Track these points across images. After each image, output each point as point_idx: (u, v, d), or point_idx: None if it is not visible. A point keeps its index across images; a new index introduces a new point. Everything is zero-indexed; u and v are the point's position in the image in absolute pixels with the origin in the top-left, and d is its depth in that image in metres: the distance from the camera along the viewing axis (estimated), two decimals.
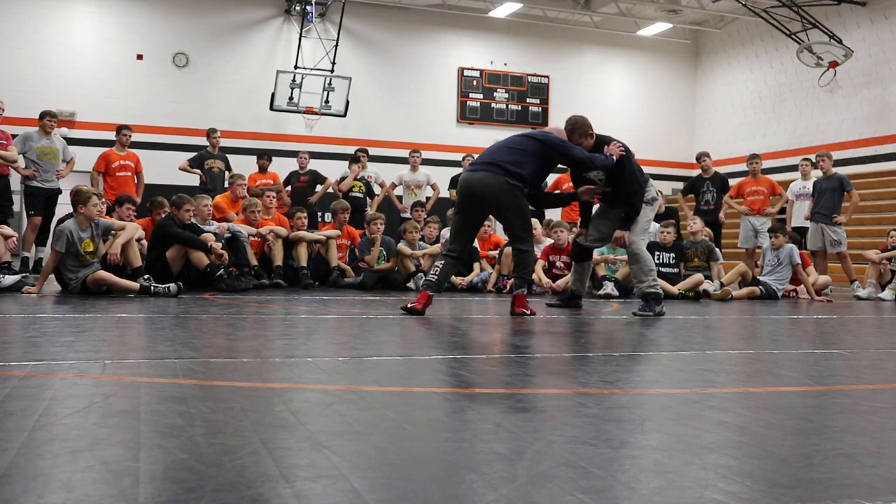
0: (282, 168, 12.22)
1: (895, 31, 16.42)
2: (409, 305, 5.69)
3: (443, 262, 5.83)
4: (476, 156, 6.37)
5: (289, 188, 11.62)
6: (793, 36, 16.79)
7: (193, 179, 11.47)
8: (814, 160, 10.82)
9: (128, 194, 8.91)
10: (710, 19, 20.18)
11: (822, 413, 2.57)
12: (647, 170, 14.63)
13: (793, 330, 5.87)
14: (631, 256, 6.45)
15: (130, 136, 10.42)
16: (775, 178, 12.62)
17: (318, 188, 11.79)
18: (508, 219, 5.85)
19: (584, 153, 5.96)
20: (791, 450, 2.01)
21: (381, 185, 11.97)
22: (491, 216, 7.14)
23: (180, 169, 11.37)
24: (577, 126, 6.12)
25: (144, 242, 7.82)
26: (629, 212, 6.28)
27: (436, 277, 5.76)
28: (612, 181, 6.30)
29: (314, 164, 12.32)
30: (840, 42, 16.32)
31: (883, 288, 9.73)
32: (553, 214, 11.32)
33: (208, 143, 11.48)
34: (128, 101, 16.27)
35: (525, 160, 5.69)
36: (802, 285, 9.26)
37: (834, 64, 16.29)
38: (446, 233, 9.79)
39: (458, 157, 13.52)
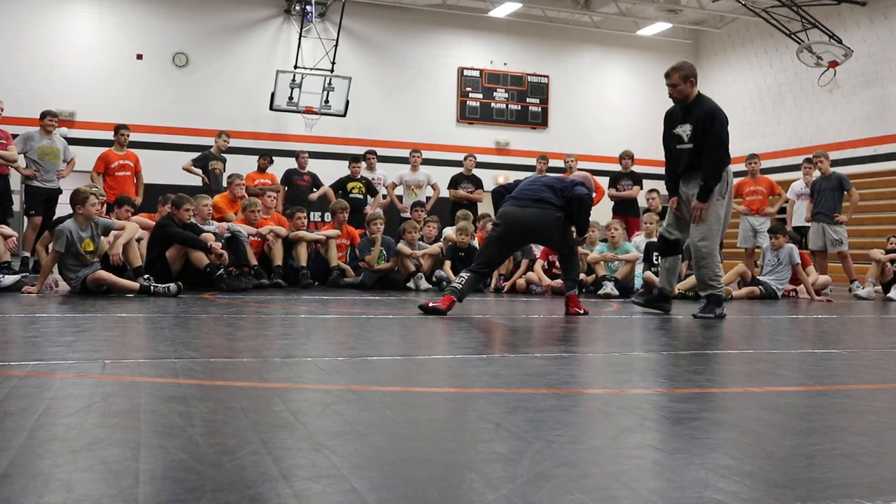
0: (282, 169, 12.21)
1: (895, 30, 16.43)
2: (430, 305, 5.74)
3: (469, 275, 5.99)
4: (504, 180, 6.60)
5: (285, 187, 11.58)
6: (793, 36, 16.79)
7: (194, 179, 11.46)
8: (812, 160, 10.82)
9: (127, 195, 8.92)
10: (709, 19, 20.19)
11: (822, 413, 2.57)
12: (646, 170, 14.58)
13: (793, 330, 5.87)
14: (701, 258, 6.15)
15: (128, 136, 10.42)
16: (775, 177, 12.63)
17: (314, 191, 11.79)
18: (554, 242, 6.38)
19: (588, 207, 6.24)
20: (791, 450, 2.01)
21: (387, 188, 11.97)
22: None
23: (184, 169, 11.35)
24: (695, 73, 6.35)
25: (144, 242, 7.82)
26: (707, 179, 6.02)
27: (460, 286, 5.90)
28: (697, 140, 6.09)
29: (315, 165, 12.31)
30: (840, 42, 16.32)
31: (886, 288, 9.73)
32: None
33: (214, 145, 11.46)
34: (127, 100, 16.27)
35: (561, 201, 6.12)
36: (802, 285, 9.26)
37: (833, 64, 16.29)
38: (448, 232, 9.81)
39: (458, 156, 13.52)
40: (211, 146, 11.63)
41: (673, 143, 6.31)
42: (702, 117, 6.07)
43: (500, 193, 6.33)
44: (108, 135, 10.83)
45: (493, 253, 6.24)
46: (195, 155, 11.64)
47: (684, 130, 6.17)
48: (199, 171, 11.12)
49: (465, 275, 5.98)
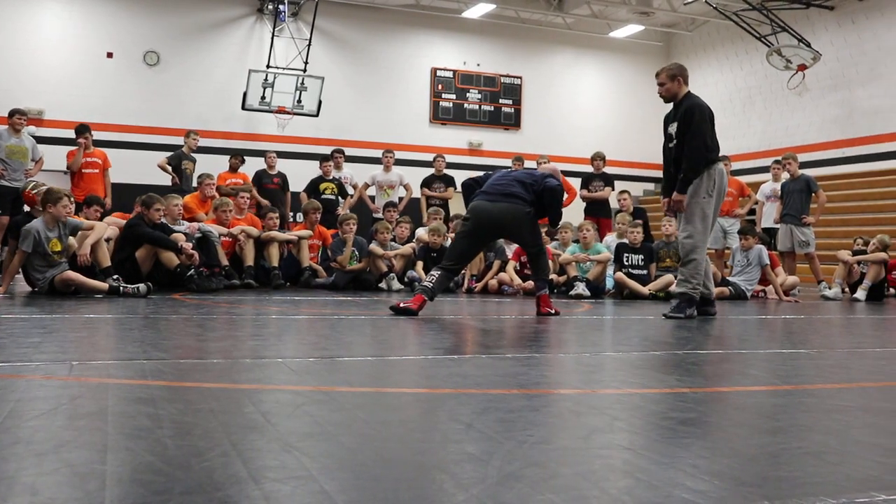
0: (254, 168, 12.13)
1: (862, 35, 16.66)
2: (401, 305, 5.71)
3: (439, 273, 5.97)
4: (478, 174, 6.57)
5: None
6: (762, 39, 16.98)
7: (163, 179, 11.35)
8: (780, 162, 10.92)
9: (96, 195, 8.82)
10: (681, 22, 20.36)
11: (789, 412, 2.60)
12: (617, 171, 14.61)
13: (761, 330, 5.93)
14: (686, 255, 6.18)
15: (91, 137, 10.29)
16: (745, 179, 12.76)
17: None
18: (524, 238, 6.26)
19: (560, 198, 6.25)
20: (758, 448, 2.03)
21: (354, 187, 11.94)
22: None
23: (159, 166, 11.23)
24: (684, 73, 6.38)
25: (113, 242, 7.73)
26: (686, 171, 6.08)
27: (431, 285, 5.88)
28: (680, 136, 6.18)
29: (287, 165, 12.25)
30: (808, 45, 16.54)
31: (853, 288, 9.85)
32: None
33: (184, 144, 11.36)
34: (97, 99, 16.11)
35: (531, 196, 6.10)
36: (771, 286, 9.36)
37: (802, 67, 16.50)
38: (420, 232, 9.81)
39: (431, 157, 13.50)
40: (182, 146, 11.52)
41: (666, 143, 6.41)
42: (682, 113, 6.17)
43: (470, 187, 6.33)
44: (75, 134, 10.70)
45: (464, 247, 6.20)
46: (169, 153, 11.52)
47: (672, 129, 6.28)
48: (169, 167, 11.01)
49: (435, 273, 5.97)
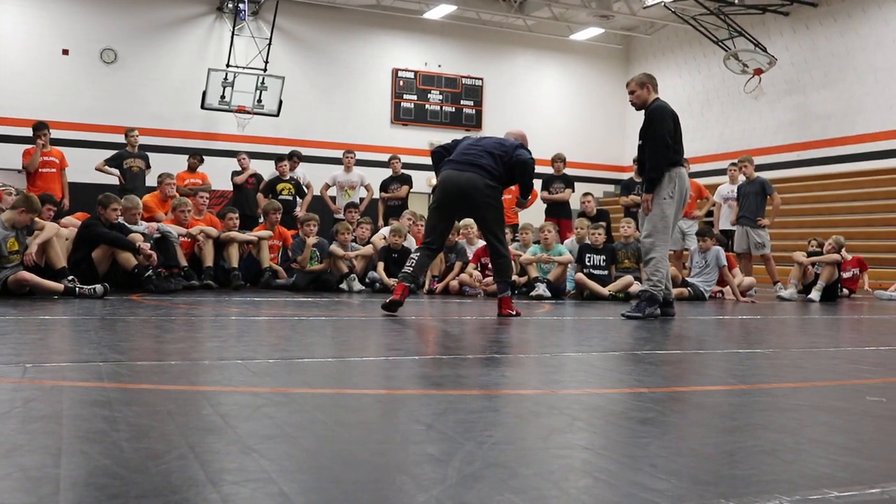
0: (213, 168, 12.01)
1: (815, 41, 16.97)
2: (388, 301, 5.78)
3: (419, 254, 5.99)
4: (445, 147, 6.45)
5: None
6: (720, 43, 17.22)
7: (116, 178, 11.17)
8: (737, 164, 11.07)
9: (50, 194, 8.68)
10: (640, 25, 20.57)
11: (745, 411, 2.63)
12: (577, 172, 14.70)
13: (719, 330, 6.00)
14: (646, 254, 6.31)
15: (49, 135, 10.08)
16: (703, 181, 12.90)
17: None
18: (488, 219, 6.12)
19: (532, 171, 6.21)
20: (715, 447, 2.06)
21: (308, 188, 11.85)
22: None
23: (97, 169, 10.99)
24: (652, 80, 6.42)
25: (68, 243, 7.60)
26: (649, 171, 6.23)
27: (411, 269, 5.90)
28: (644, 139, 6.32)
29: None
30: (764, 50, 16.81)
31: (807, 289, 10.01)
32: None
33: (126, 143, 11.17)
34: (52, 96, 15.84)
35: (500, 168, 6.05)
36: (728, 286, 9.48)
37: (759, 71, 16.76)
38: (385, 231, 9.78)
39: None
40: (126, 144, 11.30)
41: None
42: (646, 115, 6.31)
43: (439, 154, 6.28)
44: (31, 131, 10.50)
45: (435, 221, 6.15)
46: (109, 154, 11.27)
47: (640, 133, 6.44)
48: (116, 170, 10.82)
49: (414, 256, 6.01)
